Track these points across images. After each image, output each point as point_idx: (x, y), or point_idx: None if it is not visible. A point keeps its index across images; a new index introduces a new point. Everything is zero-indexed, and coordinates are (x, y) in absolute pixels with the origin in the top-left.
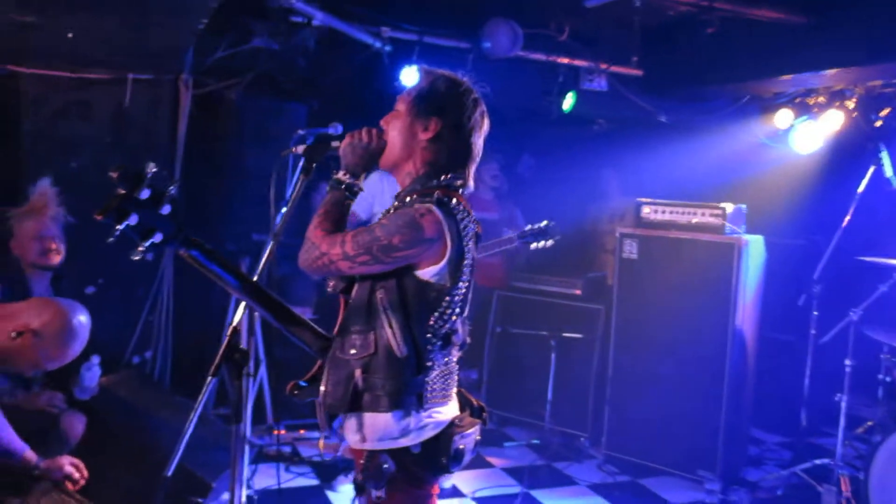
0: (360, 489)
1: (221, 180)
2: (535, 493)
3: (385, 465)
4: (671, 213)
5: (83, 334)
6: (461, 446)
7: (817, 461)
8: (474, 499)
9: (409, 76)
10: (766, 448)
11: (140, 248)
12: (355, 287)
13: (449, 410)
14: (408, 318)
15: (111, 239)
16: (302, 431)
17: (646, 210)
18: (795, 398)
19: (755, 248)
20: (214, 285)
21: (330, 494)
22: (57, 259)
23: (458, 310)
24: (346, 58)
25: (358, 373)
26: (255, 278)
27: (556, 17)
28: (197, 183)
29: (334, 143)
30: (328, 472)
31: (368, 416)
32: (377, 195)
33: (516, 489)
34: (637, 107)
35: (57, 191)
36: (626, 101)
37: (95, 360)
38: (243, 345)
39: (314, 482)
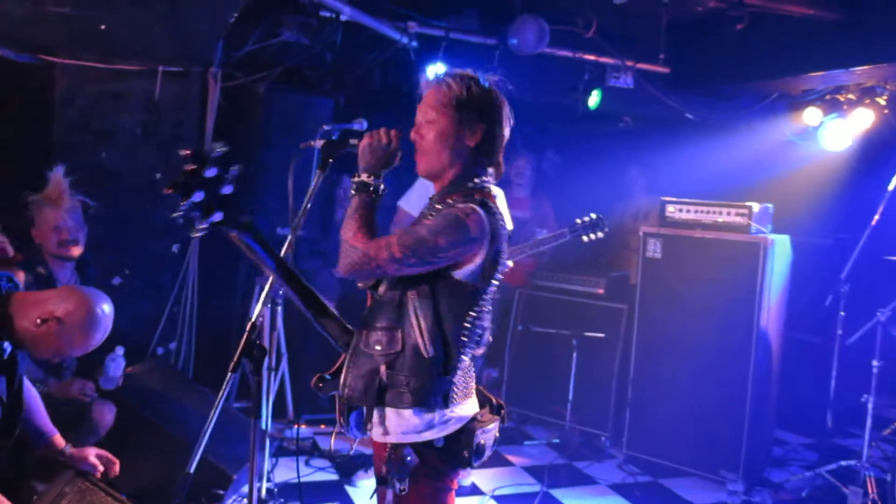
0: (383, 481)
1: (247, 173)
2: (555, 493)
3: (408, 458)
4: (696, 212)
5: (106, 324)
6: (482, 441)
7: (843, 462)
8: (494, 497)
9: (434, 73)
10: (790, 449)
11: (201, 226)
12: (384, 283)
13: (470, 405)
14: (439, 318)
15: (177, 213)
16: (322, 426)
17: (670, 209)
18: (821, 399)
19: (781, 248)
20: (238, 277)
21: (349, 490)
22: (76, 251)
23: (488, 308)
24: (372, 53)
25: (382, 368)
26: None
27: (584, 13)
28: None
29: (353, 141)
30: (348, 467)
31: (391, 411)
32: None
33: (536, 488)
34: (664, 104)
35: (70, 180)
36: (653, 99)
37: (120, 350)
38: (265, 339)
39: (334, 477)
